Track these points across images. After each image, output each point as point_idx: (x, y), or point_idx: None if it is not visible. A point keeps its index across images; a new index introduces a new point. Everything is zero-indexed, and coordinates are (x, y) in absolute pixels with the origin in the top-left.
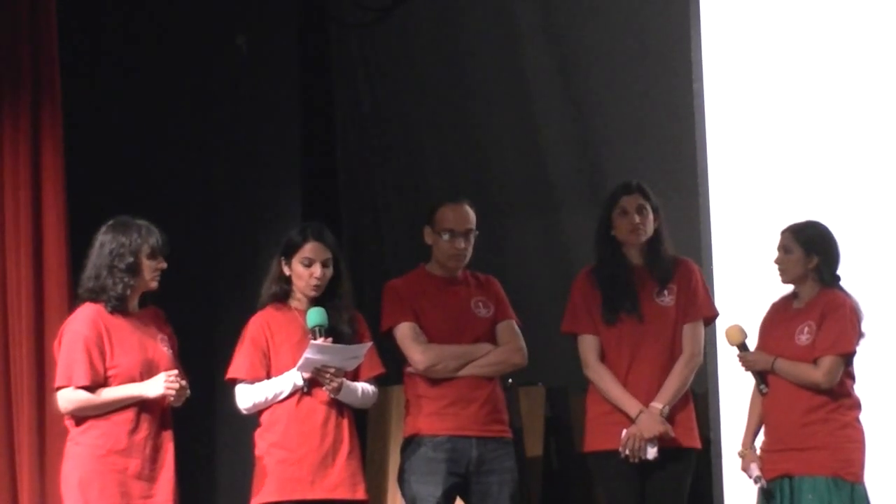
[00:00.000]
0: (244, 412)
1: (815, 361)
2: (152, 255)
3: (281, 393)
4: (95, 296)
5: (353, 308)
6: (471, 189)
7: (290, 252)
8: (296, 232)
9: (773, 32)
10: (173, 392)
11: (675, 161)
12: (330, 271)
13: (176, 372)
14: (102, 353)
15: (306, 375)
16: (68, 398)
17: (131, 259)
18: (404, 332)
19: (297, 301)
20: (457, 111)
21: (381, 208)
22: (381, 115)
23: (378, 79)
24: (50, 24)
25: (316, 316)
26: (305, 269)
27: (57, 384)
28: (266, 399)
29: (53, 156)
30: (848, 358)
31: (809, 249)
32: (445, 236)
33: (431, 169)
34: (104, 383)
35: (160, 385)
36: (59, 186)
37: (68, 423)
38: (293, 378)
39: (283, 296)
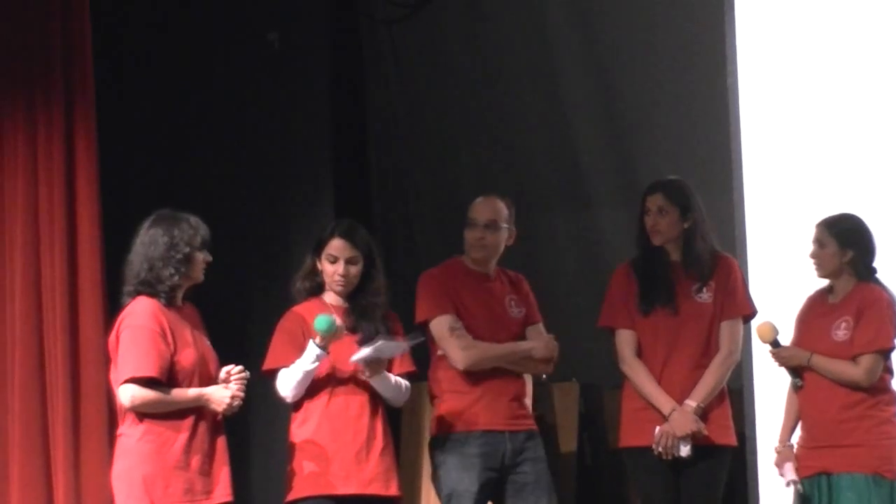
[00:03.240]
0: (288, 400)
1: (854, 359)
2: (203, 248)
3: (310, 369)
4: (150, 288)
5: (387, 306)
6: (502, 184)
7: (318, 247)
8: (327, 228)
9: (808, 26)
10: (236, 404)
11: (710, 156)
12: (357, 269)
13: (240, 386)
14: (167, 346)
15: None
16: (135, 394)
17: (187, 250)
18: (443, 326)
19: (330, 296)
20: (488, 106)
21: (413, 203)
22: (413, 111)
23: (409, 74)
24: (83, 20)
25: (323, 323)
26: (330, 266)
27: (124, 377)
28: (298, 380)
29: (87, 153)
30: (887, 353)
31: (844, 243)
32: (469, 226)
33: (463, 164)
34: (169, 376)
35: (226, 397)
36: (92, 184)
37: (128, 419)
38: (313, 350)
39: (316, 290)
